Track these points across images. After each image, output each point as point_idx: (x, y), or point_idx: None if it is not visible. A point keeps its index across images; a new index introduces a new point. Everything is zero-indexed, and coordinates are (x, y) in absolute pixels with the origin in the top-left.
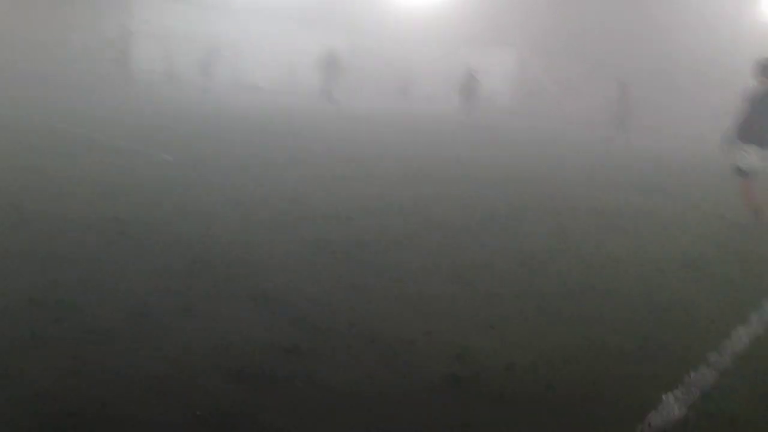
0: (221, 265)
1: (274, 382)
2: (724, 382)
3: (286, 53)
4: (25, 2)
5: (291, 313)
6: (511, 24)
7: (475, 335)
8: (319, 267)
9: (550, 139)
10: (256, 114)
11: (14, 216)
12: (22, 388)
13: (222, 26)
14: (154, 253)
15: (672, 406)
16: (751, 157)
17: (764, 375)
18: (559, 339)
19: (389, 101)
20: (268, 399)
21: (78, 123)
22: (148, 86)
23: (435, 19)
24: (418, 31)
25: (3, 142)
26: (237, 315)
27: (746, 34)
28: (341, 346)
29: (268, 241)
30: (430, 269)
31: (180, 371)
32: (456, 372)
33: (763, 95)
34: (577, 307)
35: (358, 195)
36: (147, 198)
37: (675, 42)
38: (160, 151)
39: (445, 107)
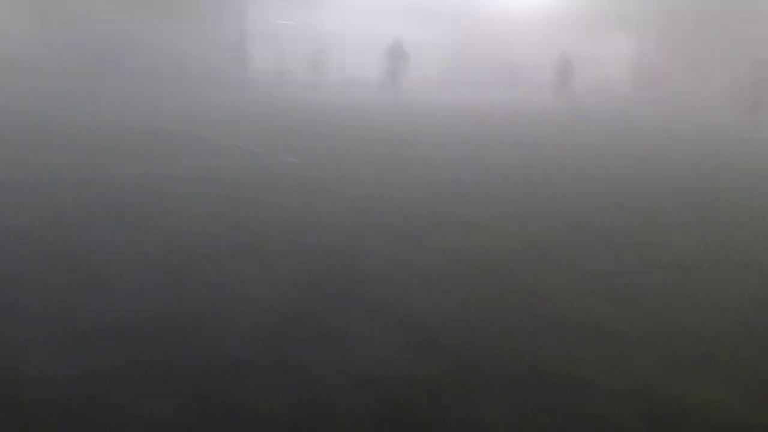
0: (349, 281)
1: (425, 426)
2: None
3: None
4: (143, 3)
5: (433, 337)
6: (630, 6)
7: (662, 371)
8: (455, 280)
9: (681, 128)
10: (368, 111)
11: (131, 223)
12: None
13: (330, 23)
14: (281, 266)
15: None
16: None
17: None
18: None
19: (497, 91)
20: None
21: (202, 125)
22: (263, 84)
23: (551, 5)
24: (530, 18)
25: (121, 144)
26: (372, 340)
27: None
28: (496, 379)
29: (397, 252)
30: (587, 286)
31: (317, 409)
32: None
33: None
34: None
35: (488, 198)
36: (274, 203)
37: None
38: (284, 153)
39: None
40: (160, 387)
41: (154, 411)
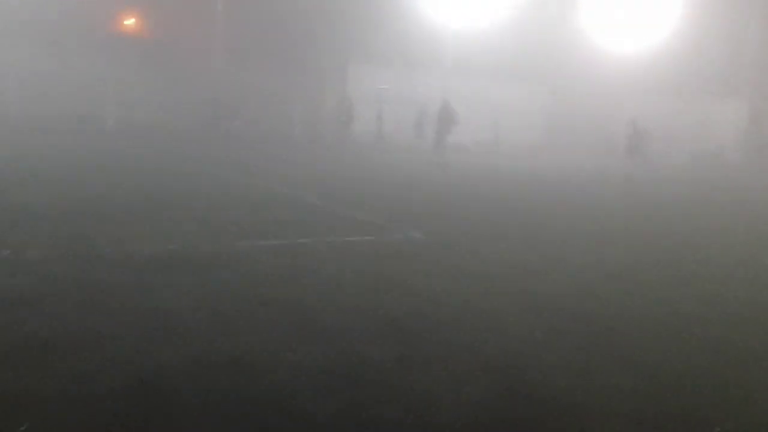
0: None
1: None
2: None
3: (492, 112)
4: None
5: None
6: (740, 70)
7: None
8: None
9: None
10: (473, 178)
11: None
12: None
13: (433, 86)
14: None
15: None
16: None
17: None
18: None
19: (598, 157)
20: None
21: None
22: (365, 147)
23: (660, 69)
24: (634, 81)
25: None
26: None
27: None
28: None
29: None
30: None
31: None
32: None
33: None
34: None
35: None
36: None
37: None
38: (408, 228)
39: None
40: None
41: None
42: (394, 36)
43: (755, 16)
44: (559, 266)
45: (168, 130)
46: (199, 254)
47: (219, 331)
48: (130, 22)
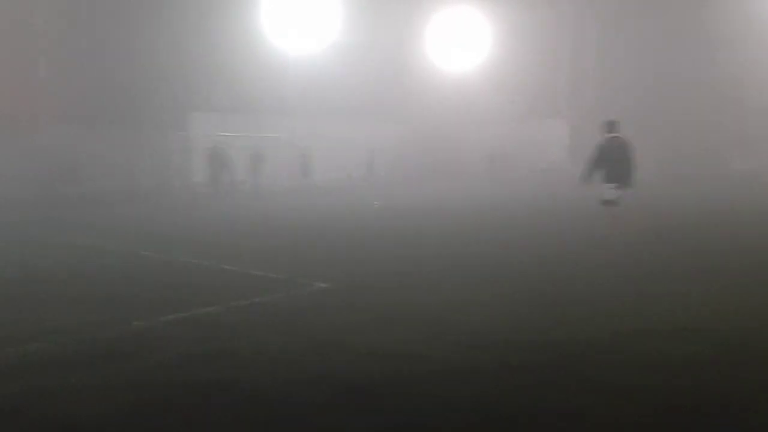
0: None
1: None
2: None
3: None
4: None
5: None
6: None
7: None
8: None
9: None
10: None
11: None
12: None
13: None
14: None
15: None
16: (611, 191)
17: None
18: None
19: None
20: None
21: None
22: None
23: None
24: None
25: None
26: None
27: None
28: None
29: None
30: None
31: None
32: None
33: (609, 145)
34: None
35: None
36: None
37: None
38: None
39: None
40: None
41: None
42: (238, 82)
43: (567, 43)
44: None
45: (7, 199)
46: (94, 343)
47: None
48: None
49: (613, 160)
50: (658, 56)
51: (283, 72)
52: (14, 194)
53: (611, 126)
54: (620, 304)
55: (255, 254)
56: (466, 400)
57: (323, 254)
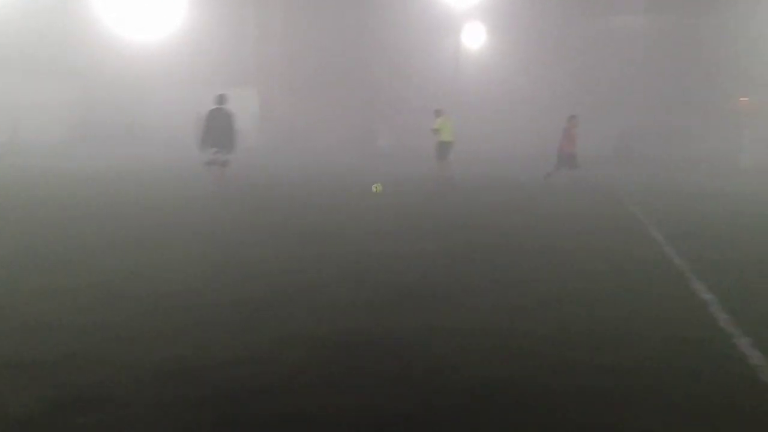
0: None
1: None
2: None
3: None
4: None
5: None
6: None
7: None
8: None
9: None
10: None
11: None
12: None
13: None
14: None
15: None
16: (215, 155)
17: None
18: None
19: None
20: None
21: None
22: None
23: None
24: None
25: None
26: None
27: None
28: None
29: None
30: None
31: None
32: None
33: (213, 116)
34: None
35: None
36: None
37: None
38: None
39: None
40: None
41: None
42: None
43: (253, 14)
44: None
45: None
46: None
47: None
48: None
49: (217, 129)
50: (342, 27)
51: None
52: None
53: (220, 99)
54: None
55: None
56: None
57: None
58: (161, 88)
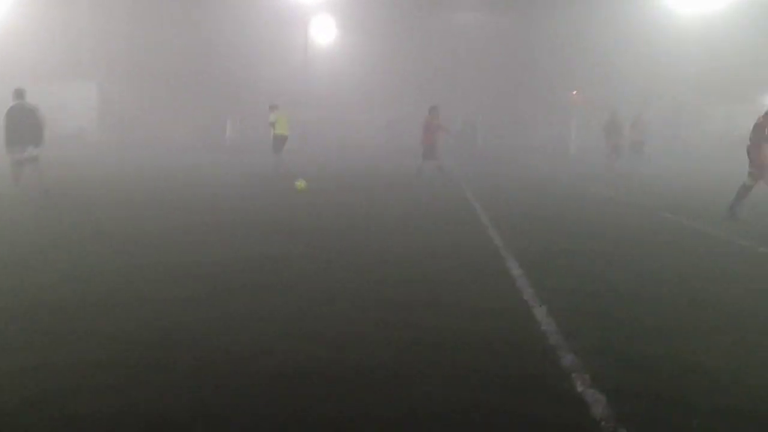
0: None
1: None
2: None
3: None
4: None
5: None
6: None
7: None
8: None
9: None
10: None
11: None
12: None
13: None
14: None
15: None
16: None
17: None
18: None
19: None
20: None
21: None
22: None
23: None
24: None
25: None
26: None
27: None
28: None
29: None
30: None
31: None
32: None
33: (13, 112)
34: None
35: None
36: None
37: None
38: None
39: None
40: None
41: None
42: None
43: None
44: None
45: None
46: None
47: None
48: None
49: (20, 125)
50: (190, 22)
51: None
52: None
53: (17, 94)
54: None
55: None
56: None
57: None
58: None
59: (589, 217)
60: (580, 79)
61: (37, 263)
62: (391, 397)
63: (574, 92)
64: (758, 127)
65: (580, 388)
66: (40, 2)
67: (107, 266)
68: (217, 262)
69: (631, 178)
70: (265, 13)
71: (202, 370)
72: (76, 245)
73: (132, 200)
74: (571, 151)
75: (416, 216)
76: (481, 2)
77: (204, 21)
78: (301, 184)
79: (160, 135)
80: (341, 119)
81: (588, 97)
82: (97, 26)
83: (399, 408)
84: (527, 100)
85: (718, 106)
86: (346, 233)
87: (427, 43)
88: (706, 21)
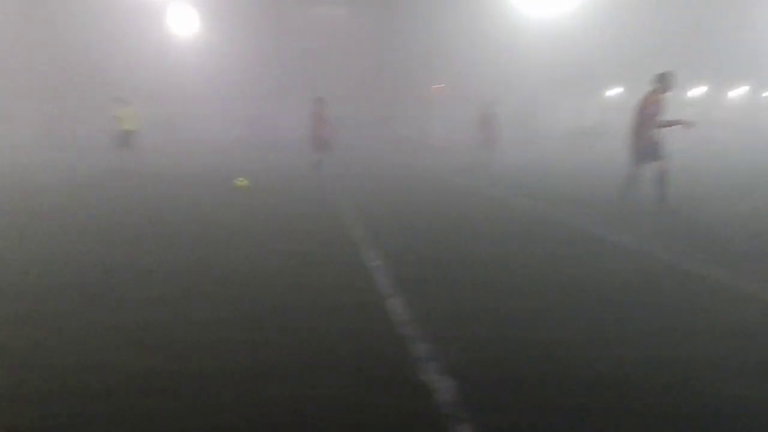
0: None
1: None
2: None
3: None
4: None
5: None
6: None
7: None
8: None
9: None
10: None
11: None
12: None
13: None
14: None
15: None
16: None
17: None
18: None
19: None
20: None
21: None
22: None
23: None
24: None
25: None
26: None
27: None
28: None
29: None
30: None
31: None
32: None
33: None
34: None
35: None
36: None
37: None
38: None
39: None
40: None
41: None
42: None
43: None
44: None
45: None
46: None
47: None
48: None
49: None
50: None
51: None
52: None
53: None
54: None
55: None
56: None
57: None
58: None
59: (451, 208)
60: (441, 76)
61: None
62: (240, 398)
63: (435, 87)
64: (640, 110)
65: (428, 376)
66: None
67: None
68: None
69: (491, 168)
70: (120, 4)
71: None
72: None
73: None
74: (432, 142)
75: (278, 213)
76: None
77: (55, 17)
78: (242, 182)
79: (3, 133)
80: (203, 114)
81: (449, 92)
82: None
83: (254, 408)
84: (391, 94)
85: (569, 99)
86: (170, 239)
87: (291, 38)
88: (556, 22)
